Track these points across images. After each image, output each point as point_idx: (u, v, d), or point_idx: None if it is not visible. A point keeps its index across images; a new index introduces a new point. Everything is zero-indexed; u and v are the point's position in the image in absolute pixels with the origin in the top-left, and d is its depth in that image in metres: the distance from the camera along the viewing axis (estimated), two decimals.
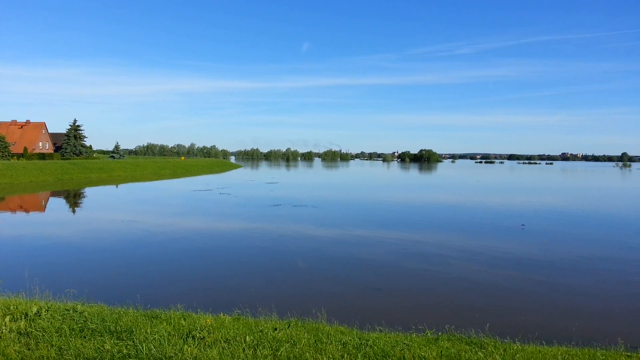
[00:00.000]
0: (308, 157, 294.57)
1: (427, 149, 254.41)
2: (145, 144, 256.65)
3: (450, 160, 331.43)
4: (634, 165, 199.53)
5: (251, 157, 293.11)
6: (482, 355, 6.53)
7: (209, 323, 8.19)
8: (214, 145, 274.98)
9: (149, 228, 25.27)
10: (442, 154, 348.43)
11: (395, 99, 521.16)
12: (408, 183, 73.94)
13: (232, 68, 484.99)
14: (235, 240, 22.45)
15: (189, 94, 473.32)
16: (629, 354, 7.96)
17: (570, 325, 11.13)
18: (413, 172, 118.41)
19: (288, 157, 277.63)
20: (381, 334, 8.84)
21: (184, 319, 8.34)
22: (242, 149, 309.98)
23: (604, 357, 7.12)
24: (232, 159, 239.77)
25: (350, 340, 7.53)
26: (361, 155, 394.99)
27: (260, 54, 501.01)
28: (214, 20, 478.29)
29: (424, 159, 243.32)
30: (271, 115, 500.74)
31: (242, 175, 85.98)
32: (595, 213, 34.92)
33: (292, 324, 8.76)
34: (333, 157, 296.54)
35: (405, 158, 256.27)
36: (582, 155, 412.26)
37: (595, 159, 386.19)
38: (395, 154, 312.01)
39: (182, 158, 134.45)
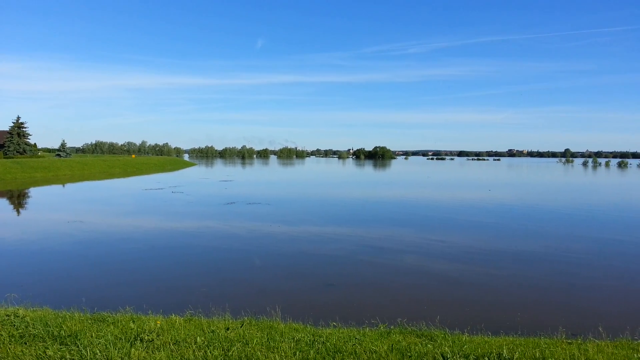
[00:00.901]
0: (264, 154, 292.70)
1: (381, 146, 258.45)
2: (94, 142, 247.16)
3: (404, 157, 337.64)
4: (576, 160, 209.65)
5: (205, 154, 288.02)
6: (431, 347, 6.69)
7: (159, 325, 7.99)
8: (167, 143, 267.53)
9: (97, 228, 24.38)
10: (396, 151, 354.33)
11: (350, 97, 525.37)
12: (362, 180, 74.80)
13: (184, 64, 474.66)
14: (188, 239, 22.01)
15: (140, 90, 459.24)
16: (569, 340, 8.36)
17: (515, 316, 11.56)
18: (368, 169, 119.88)
19: (243, 155, 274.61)
20: (335, 329, 8.90)
21: (133, 322, 8.09)
22: (196, 147, 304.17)
23: (546, 345, 7.43)
24: (186, 157, 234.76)
25: (303, 337, 7.53)
26: (317, 153, 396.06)
27: (214, 50, 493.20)
28: (166, 15, 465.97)
29: (379, 156, 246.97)
30: (225, 112, 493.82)
31: (195, 174, 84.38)
32: (538, 206, 36.47)
33: (245, 323, 8.68)
34: (289, 155, 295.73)
35: (360, 155, 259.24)
36: (527, 152, 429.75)
37: (540, 155, 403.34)
38: (351, 151, 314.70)
39: (133, 156, 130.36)
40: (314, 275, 15.81)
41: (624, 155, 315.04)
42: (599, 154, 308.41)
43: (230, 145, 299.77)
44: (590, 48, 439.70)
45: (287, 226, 25.55)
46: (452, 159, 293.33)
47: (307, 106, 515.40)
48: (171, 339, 7.02)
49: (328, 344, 7.07)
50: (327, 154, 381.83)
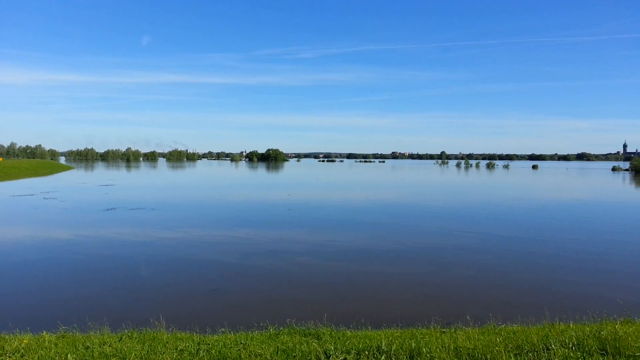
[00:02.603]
0: (151, 157, 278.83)
1: (274, 148, 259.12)
2: None
3: (296, 159, 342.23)
4: (451, 162, 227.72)
5: (85, 157, 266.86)
6: (315, 346, 6.84)
7: (25, 344, 7.26)
8: (40, 145, 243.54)
9: None
10: (289, 154, 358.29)
11: (242, 99, 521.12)
12: (254, 182, 74.41)
13: (60, 59, 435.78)
14: (61, 249, 20.24)
15: (10, 87, 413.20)
16: (443, 330, 9.04)
17: (396, 309, 12.21)
18: (260, 172, 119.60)
19: (129, 158, 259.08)
20: (222, 335, 8.74)
21: None
22: (74, 149, 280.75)
23: (422, 336, 7.97)
24: (62, 160, 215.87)
25: (187, 346, 7.28)
26: (209, 155, 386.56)
27: (94, 45, 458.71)
28: (39, 7, 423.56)
29: (272, 159, 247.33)
30: (108, 112, 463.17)
31: (73, 178, 77.91)
32: (417, 205, 39.07)
33: (124, 337, 8.19)
34: (179, 157, 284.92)
35: (253, 158, 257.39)
36: (409, 154, 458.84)
37: (420, 157, 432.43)
38: (244, 153, 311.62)
39: (0, 159, 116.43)
40: (199, 281, 15.37)
41: (491, 157, 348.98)
42: (470, 156, 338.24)
43: (113, 147, 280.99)
44: (464, 59, 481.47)
45: (172, 231, 24.59)
46: (341, 161, 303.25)
47: (198, 107, 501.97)
48: (38, 359, 6.40)
49: (213, 351, 6.91)
50: (219, 156, 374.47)
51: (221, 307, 12.72)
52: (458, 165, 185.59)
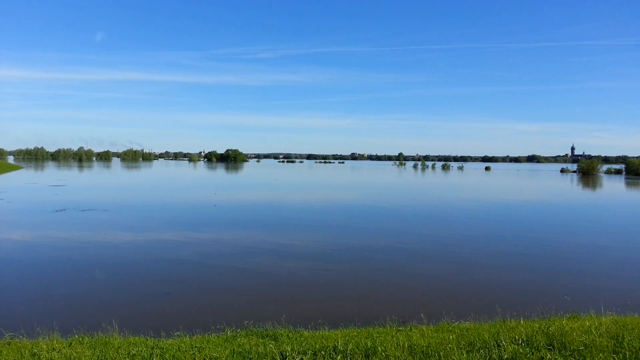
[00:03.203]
0: (105, 156, 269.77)
1: (233, 148, 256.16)
2: None
3: (256, 159, 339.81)
4: (408, 163, 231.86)
5: (35, 157, 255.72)
6: (272, 347, 6.81)
7: None
8: None
9: None
10: (248, 154, 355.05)
11: (201, 98, 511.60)
12: (212, 183, 73.37)
13: (8, 55, 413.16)
14: (6, 251, 19.34)
15: None
16: (399, 328, 9.19)
17: (352, 310, 12.29)
18: (219, 172, 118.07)
19: (81, 157, 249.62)
20: (177, 339, 8.58)
21: None
22: (23, 148, 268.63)
23: (378, 335, 8.08)
24: (11, 160, 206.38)
25: (140, 351, 7.10)
26: (166, 155, 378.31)
27: (44, 40, 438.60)
28: None
29: (231, 159, 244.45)
30: (59, 110, 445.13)
31: (22, 178, 74.53)
32: (375, 205, 39.60)
33: (74, 342, 7.91)
34: (134, 157, 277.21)
35: (212, 158, 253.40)
36: (367, 155, 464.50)
37: (378, 158, 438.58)
38: (202, 153, 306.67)
39: None
40: (154, 284, 15.02)
41: (447, 158, 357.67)
42: (427, 158, 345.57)
43: (64, 146, 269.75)
44: (421, 63, 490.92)
45: (125, 233, 23.93)
46: (301, 162, 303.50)
47: (155, 106, 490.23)
48: None
49: (167, 355, 6.77)
50: (176, 156, 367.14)
51: (177, 311, 12.47)
52: (415, 166, 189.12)
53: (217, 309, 12.54)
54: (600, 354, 5.96)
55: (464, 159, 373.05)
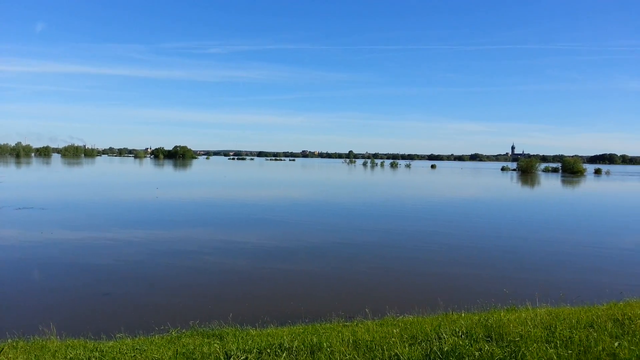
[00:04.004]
0: (45, 152, 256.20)
1: (182, 145, 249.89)
2: None
3: (205, 156, 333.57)
4: (358, 161, 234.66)
5: None
6: (217, 347, 6.72)
7: None
8: None
9: None
10: (197, 151, 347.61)
11: (148, 93, 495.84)
12: (157, 180, 71.43)
13: None
14: None
15: None
16: (346, 324, 9.30)
17: (300, 307, 12.28)
18: (166, 169, 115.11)
19: (18, 153, 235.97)
20: (118, 341, 8.32)
21: None
22: None
23: (324, 331, 8.14)
24: None
25: (78, 354, 6.84)
26: (109, 152, 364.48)
27: None
28: None
29: (179, 156, 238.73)
30: None
31: None
32: (327, 203, 39.88)
33: (6, 347, 7.51)
34: (76, 153, 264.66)
35: (159, 154, 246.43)
36: (318, 153, 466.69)
37: (329, 156, 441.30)
38: (149, 150, 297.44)
39: None
40: (94, 285, 14.44)
41: (395, 157, 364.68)
42: (376, 156, 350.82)
43: (0, 142, 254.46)
44: (370, 62, 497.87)
45: (63, 232, 22.91)
46: (252, 159, 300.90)
47: (98, 100, 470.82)
48: None
49: (106, 358, 6.55)
50: (121, 153, 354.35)
51: (119, 312, 12.07)
52: (365, 164, 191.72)
53: (162, 309, 12.23)
54: (535, 344, 6.24)
55: (411, 157, 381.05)
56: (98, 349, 7.46)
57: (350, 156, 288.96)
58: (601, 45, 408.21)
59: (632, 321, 7.47)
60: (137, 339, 8.64)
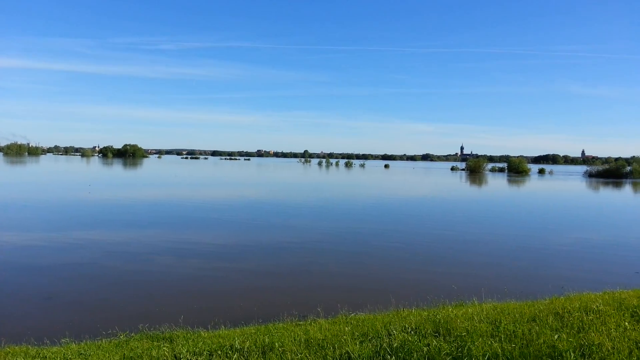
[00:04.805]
0: None
1: (132, 144, 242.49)
2: None
3: (157, 155, 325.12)
4: (313, 161, 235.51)
5: None
6: (165, 350, 6.58)
7: None
8: None
9: None
10: (149, 150, 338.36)
11: (96, 90, 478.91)
12: (102, 179, 69.11)
13: None
14: None
15: None
16: (299, 323, 9.32)
17: (252, 307, 12.19)
18: (115, 168, 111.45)
19: None
20: (63, 347, 8.01)
21: None
22: None
23: (276, 330, 8.12)
24: None
25: None
26: (55, 150, 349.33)
27: None
28: None
29: (129, 154, 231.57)
30: None
31: None
32: (281, 202, 39.79)
33: None
34: (19, 152, 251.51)
35: (107, 153, 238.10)
36: (274, 152, 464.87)
37: (284, 155, 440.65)
38: (97, 148, 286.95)
39: None
40: (36, 288, 13.80)
41: (349, 156, 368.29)
42: (331, 155, 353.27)
43: None
44: (325, 62, 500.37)
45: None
46: (206, 158, 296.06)
47: (43, 96, 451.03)
48: None
49: None
50: (67, 151, 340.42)
51: (64, 316, 11.57)
52: (320, 163, 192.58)
53: (110, 313, 11.83)
54: (480, 339, 6.47)
55: (365, 157, 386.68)
56: (41, 355, 7.17)
57: (306, 156, 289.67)
58: (545, 49, 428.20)
59: (571, 314, 7.88)
60: (83, 343, 8.33)
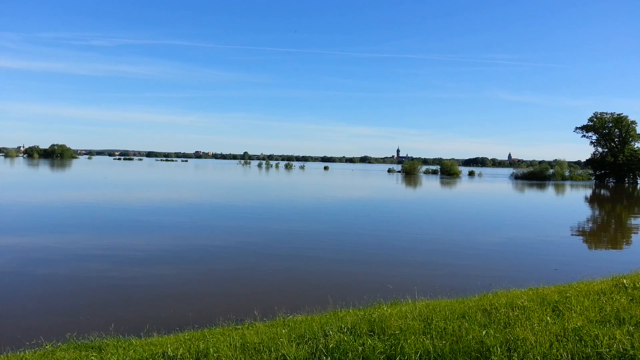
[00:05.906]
0: None
1: (60, 144, 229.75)
2: None
3: (87, 156, 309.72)
4: (253, 162, 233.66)
5: None
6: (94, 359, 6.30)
7: None
8: None
9: None
10: (78, 150, 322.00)
11: (20, 86, 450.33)
12: (29, 181, 65.07)
13: None
14: None
15: None
16: (237, 327, 9.20)
17: (188, 312, 11.91)
18: (41, 169, 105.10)
19: None
20: None
21: None
22: None
23: (212, 336, 7.97)
24: None
25: None
26: None
27: None
28: None
29: (57, 155, 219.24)
30: None
31: None
32: (215, 205, 39.14)
33: None
34: None
35: (33, 153, 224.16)
36: (212, 154, 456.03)
37: (223, 157, 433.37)
38: (22, 148, 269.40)
39: None
40: None
41: (289, 158, 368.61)
42: (271, 157, 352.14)
43: None
44: (264, 64, 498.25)
45: None
46: (140, 160, 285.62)
47: None
48: None
49: None
50: None
51: None
52: (260, 165, 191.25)
53: (34, 322, 11.16)
54: (413, 336, 6.66)
55: (305, 158, 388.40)
56: None
57: (245, 157, 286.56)
58: (477, 57, 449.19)
59: (498, 310, 8.28)
60: (5, 355, 7.81)
